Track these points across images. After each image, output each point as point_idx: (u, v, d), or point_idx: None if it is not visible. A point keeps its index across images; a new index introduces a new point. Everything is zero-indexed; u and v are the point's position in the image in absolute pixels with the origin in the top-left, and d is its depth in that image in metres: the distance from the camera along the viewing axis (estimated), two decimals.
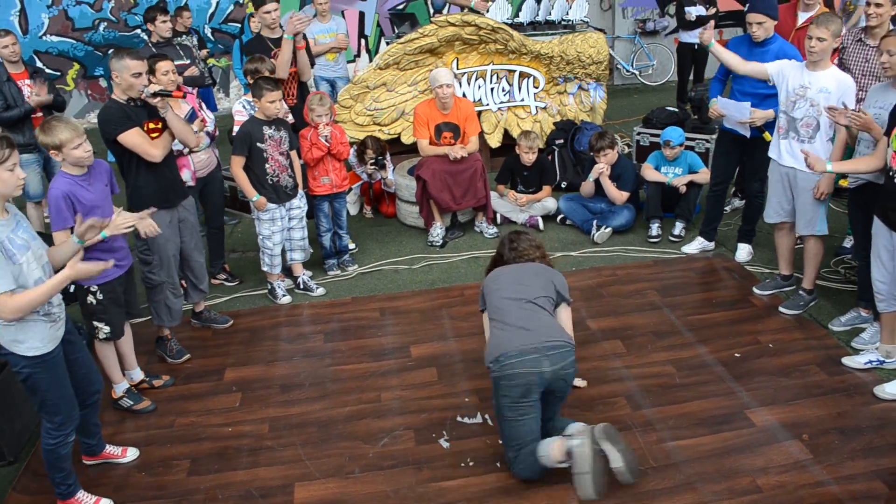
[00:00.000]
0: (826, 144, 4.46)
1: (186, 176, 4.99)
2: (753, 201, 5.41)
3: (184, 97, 4.63)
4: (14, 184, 2.99)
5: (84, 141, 3.55)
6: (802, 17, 5.58)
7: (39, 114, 6.07)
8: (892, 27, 4.47)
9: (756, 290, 5.07)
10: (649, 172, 6.13)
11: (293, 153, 5.15)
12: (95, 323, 3.90)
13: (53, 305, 3.15)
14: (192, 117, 4.92)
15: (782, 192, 4.72)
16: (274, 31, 6.00)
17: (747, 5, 5.03)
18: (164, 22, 6.60)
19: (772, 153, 4.73)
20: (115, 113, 4.08)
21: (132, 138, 4.09)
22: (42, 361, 3.12)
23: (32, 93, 5.93)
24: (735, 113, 5.11)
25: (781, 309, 4.81)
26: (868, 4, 4.68)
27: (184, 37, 8.44)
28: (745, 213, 5.54)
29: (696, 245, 5.77)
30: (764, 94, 4.98)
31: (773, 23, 4.94)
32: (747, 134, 5.15)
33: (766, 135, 5.02)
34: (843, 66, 4.93)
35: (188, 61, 6.38)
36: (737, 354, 4.36)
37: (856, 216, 4.34)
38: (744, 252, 5.54)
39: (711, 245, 5.75)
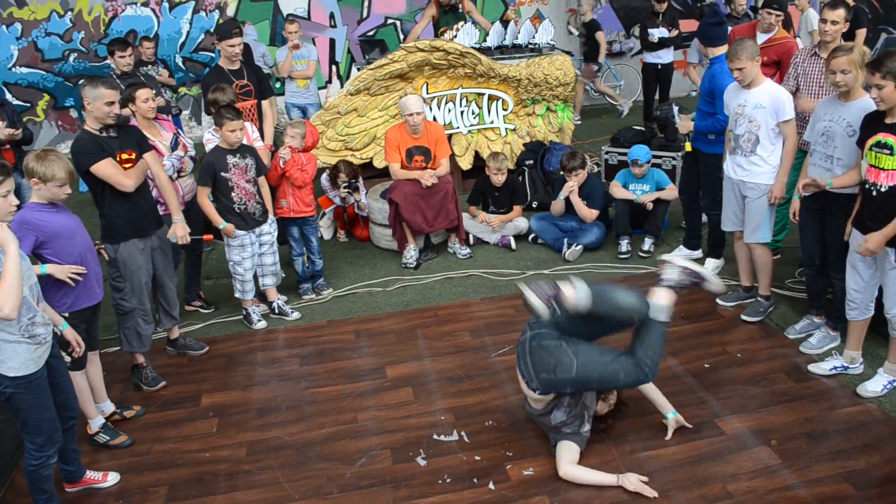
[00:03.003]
0: (769, 156, 4.63)
1: None
2: (710, 217, 5.56)
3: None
4: (5, 210, 3.10)
5: (68, 183, 3.63)
6: (761, 39, 5.78)
7: (7, 146, 6.07)
8: (841, 42, 4.63)
9: (719, 302, 5.19)
10: (617, 190, 6.26)
11: (262, 179, 5.19)
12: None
13: (38, 326, 3.18)
14: (175, 144, 4.99)
15: (734, 202, 4.91)
16: (233, 63, 5.98)
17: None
18: (122, 57, 6.63)
19: (724, 167, 4.94)
20: (88, 144, 4.12)
21: (105, 169, 4.12)
22: (25, 382, 3.15)
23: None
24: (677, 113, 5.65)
25: (743, 316, 4.96)
26: (824, 21, 4.84)
27: (149, 67, 8.48)
28: (709, 229, 5.68)
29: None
30: (704, 111, 5.33)
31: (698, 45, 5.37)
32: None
33: (687, 144, 5.47)
34: (796, 78, 5.10)
35: (153, 92, 6.41)
36: (706, 365, 4.45)
37: (805, 224, 4.47)
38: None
39: (697, 254, 5.89)
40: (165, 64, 9.00)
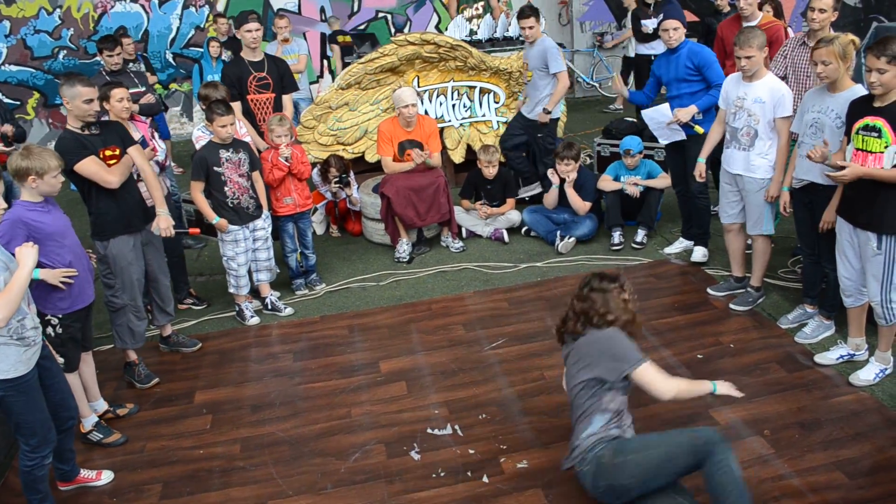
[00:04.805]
0: (767, 151, 4.61)
1: None
2: (697, 202, 5.54)
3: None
4: None
5: (60, 172, 3.62)
6: None
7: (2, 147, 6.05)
8: (831, 32, 4.61)
9: (710, 291, 5.20)
10: (605, 184, 6.25)
11: (255, 174, 5.18)
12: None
13: (27, 329, 3.16)
14: (143, 146, 4.96)
15: (731, 195, 4.89)
16: (255, 54, 5.95)
17: (661, 15, 5.38)
18: (111, 56, 6.61)
19: (723, 159, 4.88)
20: (71, 143, 4.09)
21: (88, 167, 4.10)
22: (15, 384, 3.13)
23: None
24: (658, 118, 5.40)
25: (732, 306, 4.97)
26: (812, 9, 4.82)
27: (131, 64, 8.44)
28: (694, 216, 5.67)
29: (679, 246, 5.91)
30: (688, 92, 5.30)
31: (684, 30, 5.31)
32: (682, 136, 5.38)
33: (698, 128, 5.27)
34: (785, 67, 5.10)
35: (143, 88, 6.38)
36: (699, 356, 4.45)
37: (799, 216, 4.49)
38: (698, 254, 5.66)
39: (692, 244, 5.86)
40: (147, 60, 8.94)
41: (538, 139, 6.83)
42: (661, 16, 9.12)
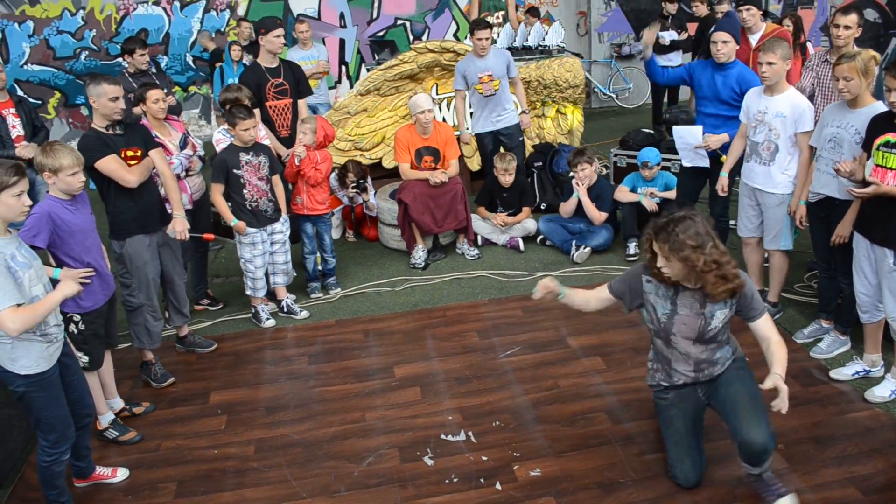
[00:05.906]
0: (787, 166, 4.60)
1: (184, 200, 5.09)
2: (717, 225, 5.50)
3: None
4: (18, 209, 3.11)
5: (80, 170, 3.65)
6: (754, 40, 5.79)
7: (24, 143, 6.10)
8: (855, 48, 4.61)
9: None
10: (622, 195, 6.26)
11: (275, 178, 5.22)
12: (75, 351, 3.91)
13: (50, 325, 3.20)
14: (183, 143, 5.04)
15: (750, 209, 4.87)
16: (273, 60, 5.93)
17: (713, 27, 5.28)
18: (143, 55, 6.68)
19: (742, 173, 4.87)
20: (93, 141, 4.16)
21: (108, 165, 4.16)
22: (37, 380, 3.17)
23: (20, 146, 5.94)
24: (689, 138, 5.31)
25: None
26: (836, 26, 4.81)
27: None
28: None
29: None
30: (726, 115, 5.20)
31: (736, 46, 5.18)
32: (706, 163, 5.32)
33: (724, 157, 5.19)
34: (812, 83, 5.10)
35: (165, 91, 6.45)
36: None
37: (815, 230, 4.49)
38: None
39: None
40: (157, 65, 9.02)
41: (521, 143, 6.88)
42: (679, 29, 9.17)
